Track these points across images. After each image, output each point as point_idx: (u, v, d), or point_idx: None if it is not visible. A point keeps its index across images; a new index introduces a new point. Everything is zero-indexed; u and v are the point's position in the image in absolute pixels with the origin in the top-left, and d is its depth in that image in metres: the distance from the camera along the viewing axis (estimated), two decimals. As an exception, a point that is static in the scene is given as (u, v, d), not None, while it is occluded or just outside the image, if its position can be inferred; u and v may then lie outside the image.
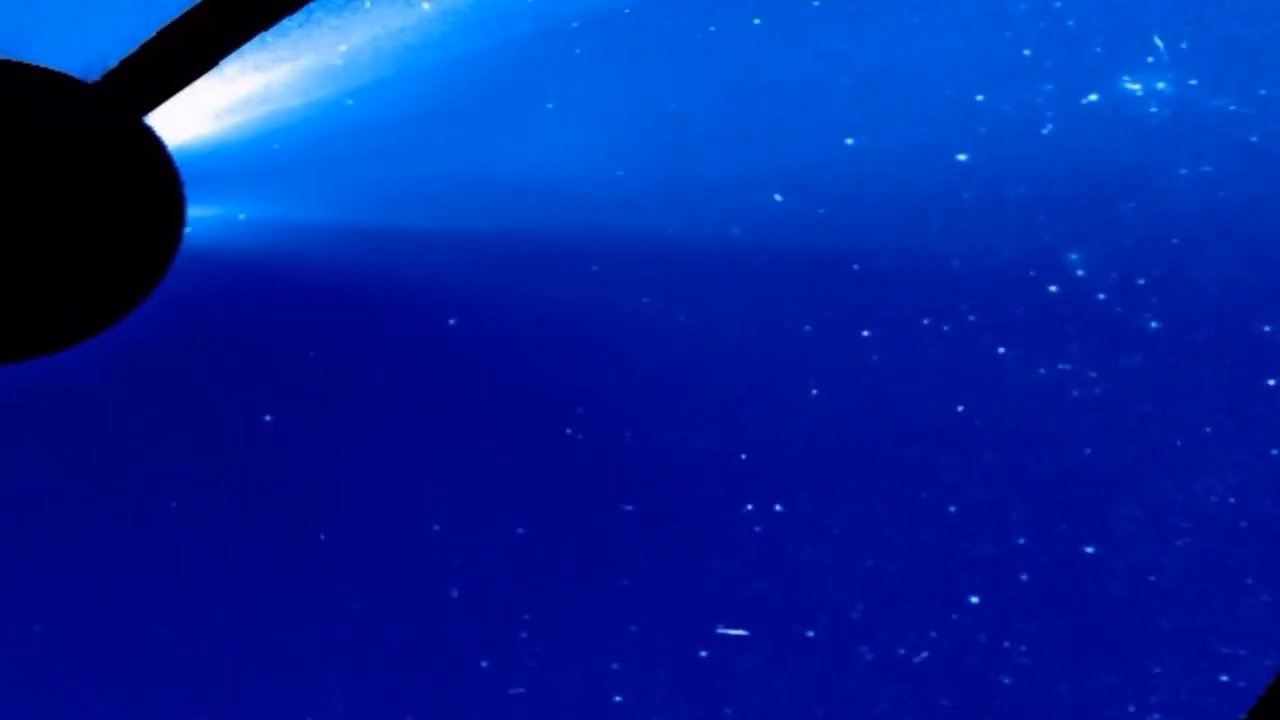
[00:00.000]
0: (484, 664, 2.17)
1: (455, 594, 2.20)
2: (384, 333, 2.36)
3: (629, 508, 2.24)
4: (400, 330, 2.37)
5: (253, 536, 2.23)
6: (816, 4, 2.58)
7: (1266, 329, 2.34)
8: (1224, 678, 2.15)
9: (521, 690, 2.15)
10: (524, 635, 2.18)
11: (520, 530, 2.24)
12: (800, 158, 2.46)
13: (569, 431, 2.29)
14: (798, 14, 2.57)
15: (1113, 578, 2.20)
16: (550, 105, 2.52)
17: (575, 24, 2.57)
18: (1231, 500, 2.23)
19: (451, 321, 2.37)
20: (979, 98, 2.50)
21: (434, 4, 2.59)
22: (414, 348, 2.36)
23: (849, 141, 2.47)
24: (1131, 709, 2.13)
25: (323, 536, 2.23)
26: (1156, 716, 2.13)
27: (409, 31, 2.57)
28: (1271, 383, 2.30)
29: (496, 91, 2.54)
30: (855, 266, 2.39)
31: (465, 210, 2.45)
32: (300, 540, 2.23)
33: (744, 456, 2.27)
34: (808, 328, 2.35)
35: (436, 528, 2.24)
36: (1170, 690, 2.14)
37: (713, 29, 2.57)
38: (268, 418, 2.30)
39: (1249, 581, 2.19)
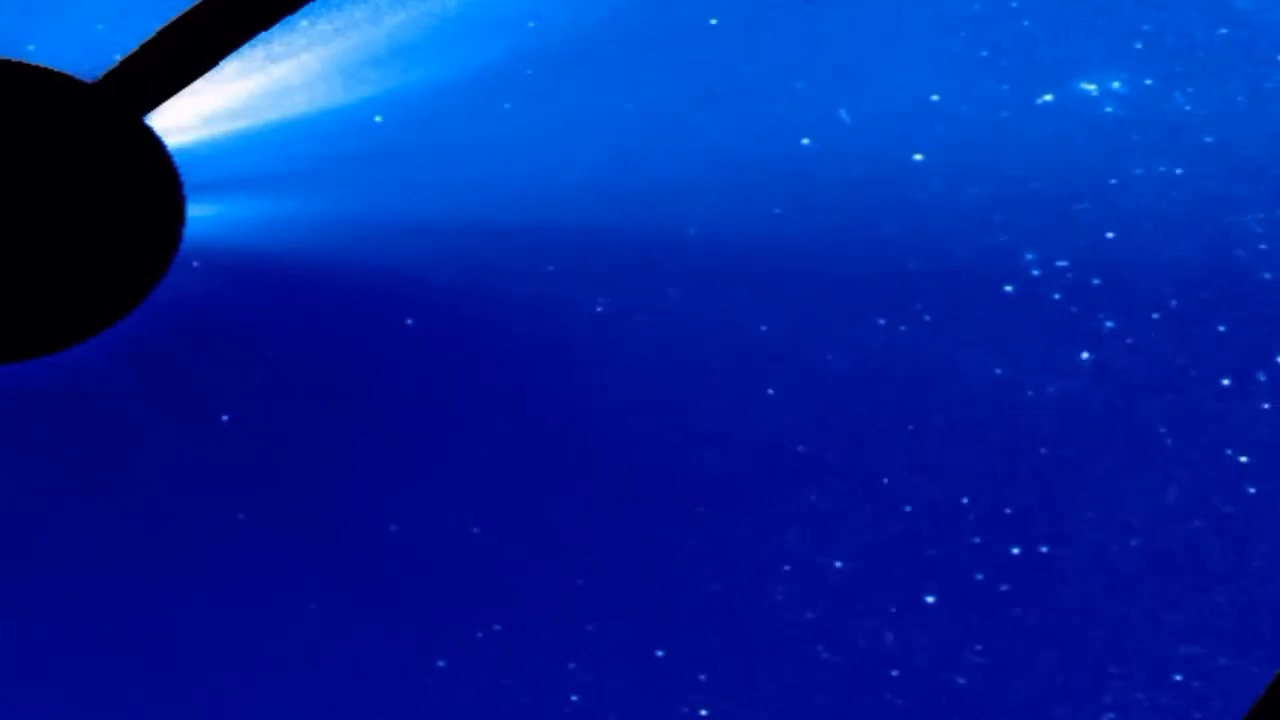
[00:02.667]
0: (441, 663, 2.17)
1: (412, 593, 2.20)
2: (370, 331, 2.37)
3: (585, 506, 2.24)
4: (366, 329, 2.37)
5: (243, 535, 2.23)
6: (773, 6, 2.58)
7: (1221, 329, 2.34)
8: (1178, 677, 2.15)
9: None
10: (480, 635, 2.19)
11: (476, 529, 2.24)
12: (756, 158, 2.46)
13: (525, 431, 2.29)
14: (754, 15, 2.57)
15: (1068, 577, 2.20)
16: (507, 105, 2.53)
17: (531, 24, 2.57)
18: (1186, 500, 2.24)
19: (409, 321, 2.37)
20: (935, 98, 2.50)
21: (422, 6, 2.59)
22: (376, 347, 2.36)
23: (805, 142, 2.48)
24: (1087, 708, 2.14)
25: (291, 534, 2.23)
26: (1111, 715, 2.14)
27: (396, 34, 2.58)
28: (1226, 382, 2.31)
29: (462, 93, 2.54)
30: (811, 267, 2.39)
31: (430, 209, 2.45)
32: (278, 537, 2.23)
33: (700, 456, 2.27)
34: (764, 328, 2.36)
35: (394, 527, 2.24)
36: (1125, 689, 2.15)
37: (669, 30, 2.57)
38: (224, 417, 2.30)
39: (1204, 581, 2.20)
